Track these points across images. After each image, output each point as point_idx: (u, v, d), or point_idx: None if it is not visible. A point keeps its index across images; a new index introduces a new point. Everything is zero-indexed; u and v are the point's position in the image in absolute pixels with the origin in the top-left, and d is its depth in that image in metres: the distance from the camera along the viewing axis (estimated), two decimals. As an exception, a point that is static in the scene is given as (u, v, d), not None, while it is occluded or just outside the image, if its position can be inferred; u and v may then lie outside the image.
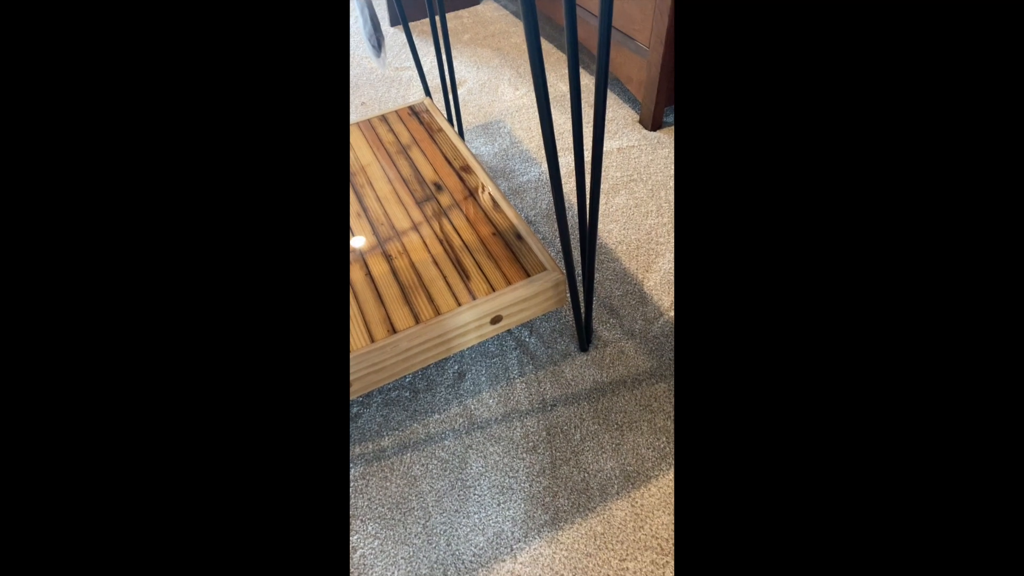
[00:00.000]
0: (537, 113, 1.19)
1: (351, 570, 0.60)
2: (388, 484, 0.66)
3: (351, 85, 1.33)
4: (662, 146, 1.08)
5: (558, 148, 1.11)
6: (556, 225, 0.95)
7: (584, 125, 1.12)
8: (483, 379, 0.75)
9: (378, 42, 0.88)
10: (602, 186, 1.01)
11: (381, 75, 1.35)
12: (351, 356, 0.62)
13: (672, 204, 0.96)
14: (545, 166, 1.06)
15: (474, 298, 0.66)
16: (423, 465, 0.67)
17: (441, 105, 1.22)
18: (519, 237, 0.73)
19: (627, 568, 0.58)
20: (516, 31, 1.46)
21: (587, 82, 1.27)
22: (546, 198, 1.00)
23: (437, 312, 0.65)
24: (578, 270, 0.85)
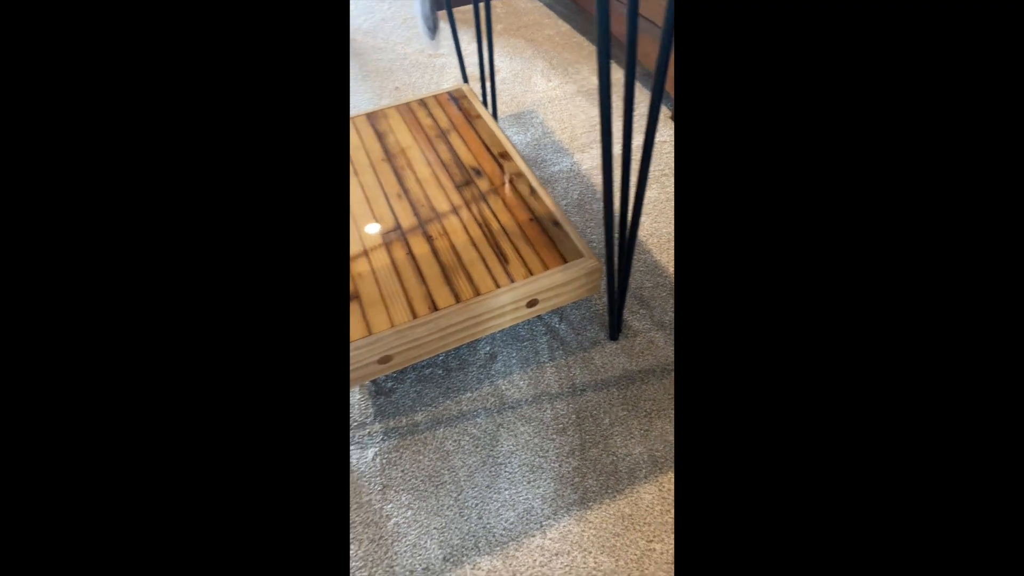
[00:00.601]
0: (569, 105, 1.20)
1: (386, 537, 0.62)
2: (421, 458, 0.68)
3: (386, 70, 1.35)
4: (693, 143, 1.09)
5: (585, 142, 1.12)
6: (585, 216, 0.96)
7: (614, 120, 1.13)
8: (514, 361, 0.77)
9: (434, 24, 0.89)
10: (633, 179, 1.02)
11: (415, 61, 1.36)
12: (395, 331, 0.63)
13: None
14: (576, 157, 1.07)
15: (512, 281, 0.68)
16: (455, 441, 0.69)
17: (477, 92, 1.23)
18: (556, 224, 0.74)
19: (654, 549, 0.60)
20: (549, 22, 1.47)
21: (619, 76, 1.28)
22: (577, 189, 1.01)
23: (477, 292, 0.67)
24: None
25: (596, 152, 1.08)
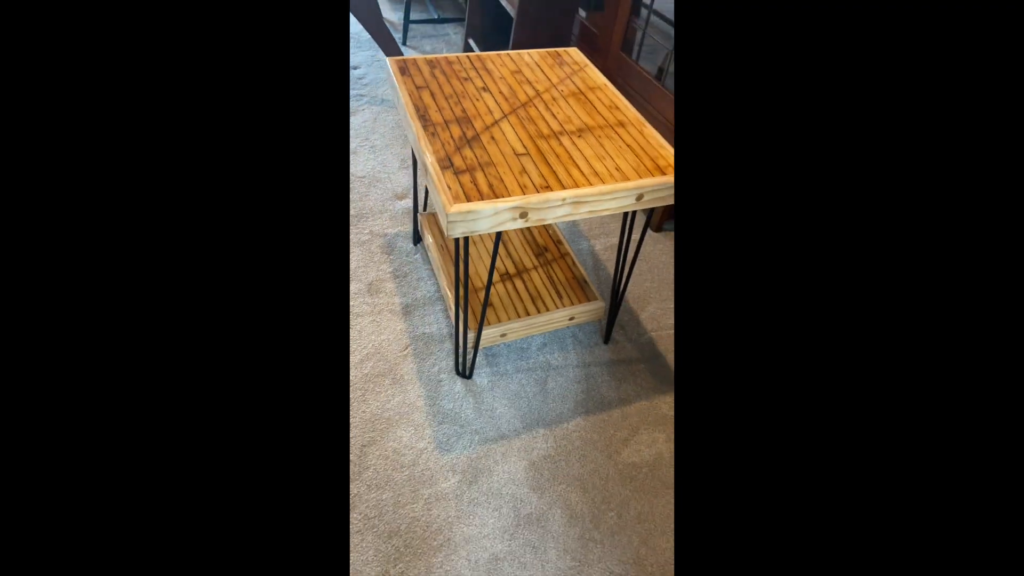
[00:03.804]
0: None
1: (495, 416, 1.32)
2: (510, 384, 1.39)
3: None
4: (662, 241, 1.87)
5: (597, 233, 1.88)
6: (596, 276, 1.72)
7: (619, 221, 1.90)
8: (555, 345, 1.50)
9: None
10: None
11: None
12: (510, 322, 1.35)
13: (652, 273, 1.73)
14: (592, 242, 1.84)
15: (564, 307, 1.41)
16: (527, 380, 1.41)
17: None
18: (586, 282, 1.49)
19: (622, 437, 1.32)
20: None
21: (620, 192, 2.07)
22: (591, 261, 1.76)
23: (547, 309, 1.40)
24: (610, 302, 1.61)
25: (602, 241, 1.85)
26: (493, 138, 1.12)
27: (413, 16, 2.92)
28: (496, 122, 1.17)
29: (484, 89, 1.26)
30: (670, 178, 1.08)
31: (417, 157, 1.13)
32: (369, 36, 2.60)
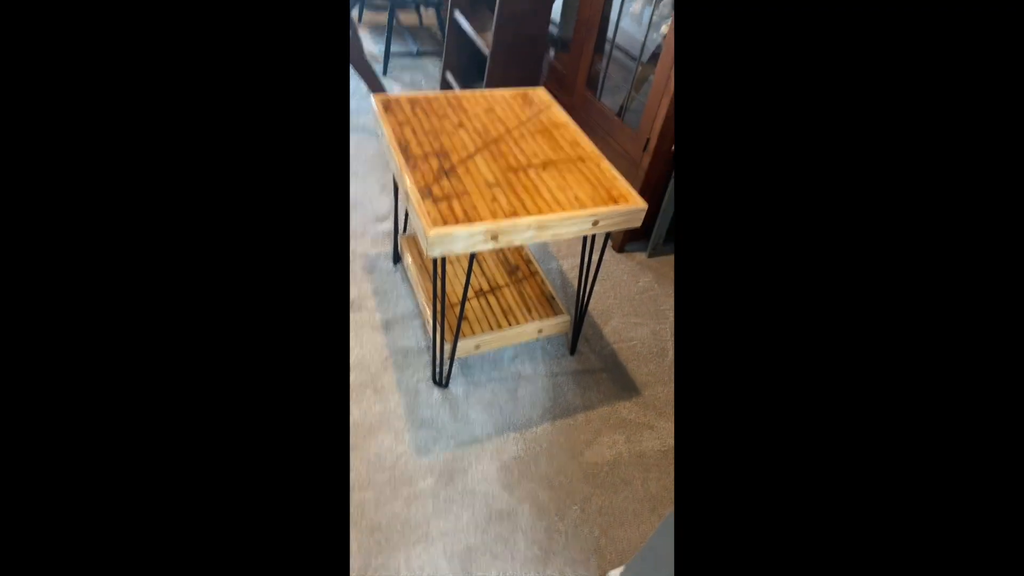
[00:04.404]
0: (557, 230, 2.12)
1: (470, 422, 1.44)
2: (483, 392, 1.51)
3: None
4: (624, 261, 2.03)
5: (565, 254, 2.03)
6: (563, 293, 1.86)
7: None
8: (525, 356, 1.62)
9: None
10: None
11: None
12: (483, 334, 1.48)
13: (615, 290, 1.88)
14: (560, 262, 1.99)
15: (533, 320, 1.55)
16: (499, 388, 1.53)
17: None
18: (553, 298, 1.63)
19: (586, 439, 1.44)
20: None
21: (586, 216, 2.23)
22: (559, 279, 1.91)
23: (518, 323, 1.53)
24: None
25: (569, 261, 2.00)
26: (468, 170, 1.26)
27: (393, 49, 3.09)
28: (471, 156, 1.31)
29: (460, 125, 1.41)
30: (622, 206, 1.24)
31: (399, 185, 1.26)
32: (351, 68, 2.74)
